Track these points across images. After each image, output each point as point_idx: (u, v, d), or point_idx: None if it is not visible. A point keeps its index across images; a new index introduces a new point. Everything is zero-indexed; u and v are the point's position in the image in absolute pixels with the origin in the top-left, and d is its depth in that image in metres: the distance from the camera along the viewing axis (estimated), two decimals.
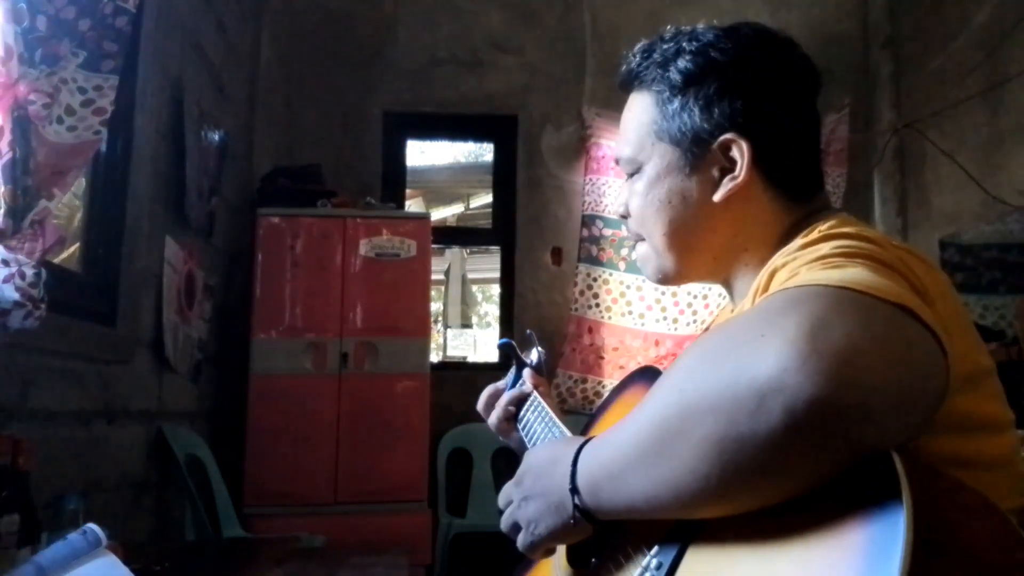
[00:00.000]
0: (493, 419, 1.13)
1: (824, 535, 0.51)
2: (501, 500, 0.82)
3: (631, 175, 0.89)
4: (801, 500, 0.54)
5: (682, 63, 0.83)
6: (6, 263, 1.33)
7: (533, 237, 3.99)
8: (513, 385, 1.17)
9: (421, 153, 5.77)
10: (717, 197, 0.82)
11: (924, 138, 3.68)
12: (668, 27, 0.88)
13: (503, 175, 4.16)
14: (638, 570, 0.68)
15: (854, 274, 0.59)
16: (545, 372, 1.19)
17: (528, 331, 1.26)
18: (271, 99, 3.70)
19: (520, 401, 1.11)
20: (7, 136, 1.34)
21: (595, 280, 3.87)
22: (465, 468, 3.72)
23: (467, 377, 3.93)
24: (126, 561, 1.03)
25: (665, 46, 0.86)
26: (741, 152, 0.80)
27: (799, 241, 0.72)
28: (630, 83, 0.90)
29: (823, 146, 4.09)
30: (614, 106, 3.88)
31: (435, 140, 5.04)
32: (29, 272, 1.34)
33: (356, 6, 4.04)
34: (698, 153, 0.82)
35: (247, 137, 3.46)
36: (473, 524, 3.48)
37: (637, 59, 0.88)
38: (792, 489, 0.54)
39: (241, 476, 2.97)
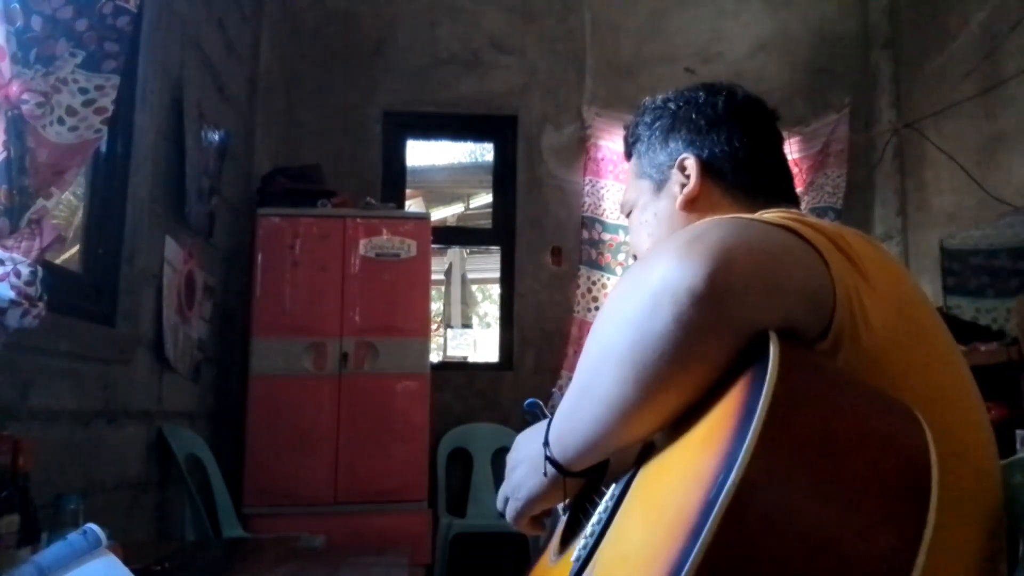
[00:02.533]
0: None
1: (716, 407, 0.57)
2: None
3: (628, 215, 1.06)
4: (709, 393, 0.60)
5: (647, 117, 1.05)
6: (1, 262, 1.33)
7: (533, 237, 3.99)
8: None
9: (421, 153, 5.77)
10: (677, 204, 0.96)
11: (924, 138, 3.68)
12: (643, 102, 1.08)
13: (503, 175, 4.16)
14: (601, 505, 0.73)
15: (756, 216, 0.67)
16: None
17: (554, 389, 1.27)
18: (271, 99, 3.70)
19: None
20: (1, 136, 1.34)
21: (594, 283, 3.88)
22: (465, 468, 3.73)
23: (467, 377, 3.93)
24: (126, 561, 1.04)
25: (640, 113, 1.07)
26: (692, 165, 0.96)
27: None
28: (627, 153, 1.09)
29: (823, 147, 4.09)
30: (614, 106, 3.91)
31: (435, 140, 5.03)
32: (25, 270, 1.34)
33: (356, 6, 4.04)
34: (662, 178, 1.00)
35: (247, 137, 3.46)
36: (473, 524, 3.48)
37: (626, 133, 1.09)
38: (697, 375, 0.60)
39: (241, 476, 2.97)
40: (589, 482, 0.78)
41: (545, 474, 0.75)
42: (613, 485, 0.72)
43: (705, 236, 0.60)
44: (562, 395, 1.24)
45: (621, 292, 0.66)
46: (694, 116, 0.98)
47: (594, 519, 0.71)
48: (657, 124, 1.02)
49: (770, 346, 0.55)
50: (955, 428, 0.66)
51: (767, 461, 0.48)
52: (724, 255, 0.58)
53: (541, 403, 1.21)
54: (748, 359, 0.57)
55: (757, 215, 0.72)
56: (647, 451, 0.67)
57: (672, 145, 0.99)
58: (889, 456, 0.51)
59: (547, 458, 0.74)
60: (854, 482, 0.49)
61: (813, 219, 0.70)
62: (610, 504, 0.69)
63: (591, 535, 0.69)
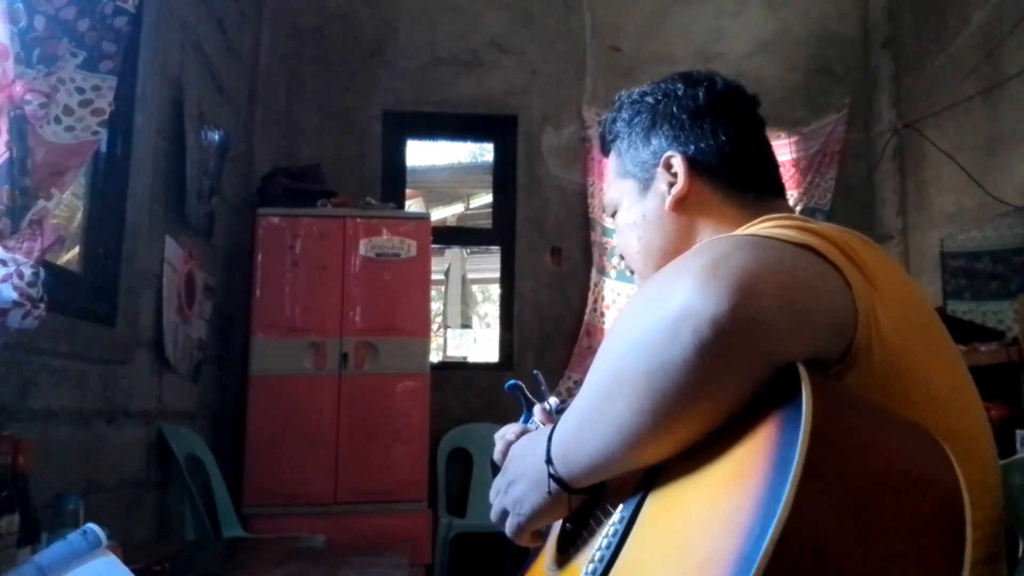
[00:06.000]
0: (497, 453, 1.14)
1: (744, 443, 0.55)
2: (491, 493, 0.87)
3: (613, 216, 1.02)
4: (730, 421, 0.58)
5: (624, 114, 1.00)
6: (4, 263, 1.33)
7: (533, 237, 3.99)
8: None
9: (421, 153, 5.78)
10: (667, 205, 0.92)
11: (924, 138, 3.68)
12: (618, 95, 1.03)
13: (503, 175, 4.16)
14: (607, 528, 0.70)
15: (770, 231, 0.66)
16: (555, 415, 1.18)
17: (535, 372, 1.26)
18: (271, 99, 3.70)
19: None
20: (4, 136, 1.34)
21: (595, 285, 3.89)
22: (465, 468, 3.72)
23: (467, 377, 3.93)
24: (126, 561, 1.03)
25: (615, 107, 1.02)
26: (679, 163, 0.92)
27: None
28: (604, 149, 1.05)
29: (821, 147, 4.09)
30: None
31: (435, 140, 5.03)
32: (27, 272, 1.34)
33: (356, 6, 4.04)
34: (648, 177, 0.95)
35: (247, 137, 3.46)
36: (473, 524, 3.48)
37: (601, 128, 1.05)
38: (717, 407, 0.58)
39: (241, 476, 2.97)
40: (590, 495, 0.77)
41: (549, 492, 0.74)
42: (621, 506, 0.70)
43: (728, 260, 0.58)
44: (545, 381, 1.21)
45: (634, 312, 0.64)
46: (675, 110, 0.94)
47: (602, 541, 0.69)
48: (636, 120, 0.98)
49: (802, 385, 0.53)
50: (960, 435, 0.66)
51: (807, 512, 0.46)
52: (750, 283, 0.56)
53: (523, 385, 1.20)
54: (771, 387, 0.56)
55: (766, 227, 0.69)
56: (656, 470, 0.66)
57: (655, 142, 0.95)
58: (927, 500, 0.51)
59: (551, 476, 0.73)
60: (895, 529, 0.49)
61: (817, 225, 0.68)
62: (619, 528, 0.67)
63: (600, 560, 0.67)
